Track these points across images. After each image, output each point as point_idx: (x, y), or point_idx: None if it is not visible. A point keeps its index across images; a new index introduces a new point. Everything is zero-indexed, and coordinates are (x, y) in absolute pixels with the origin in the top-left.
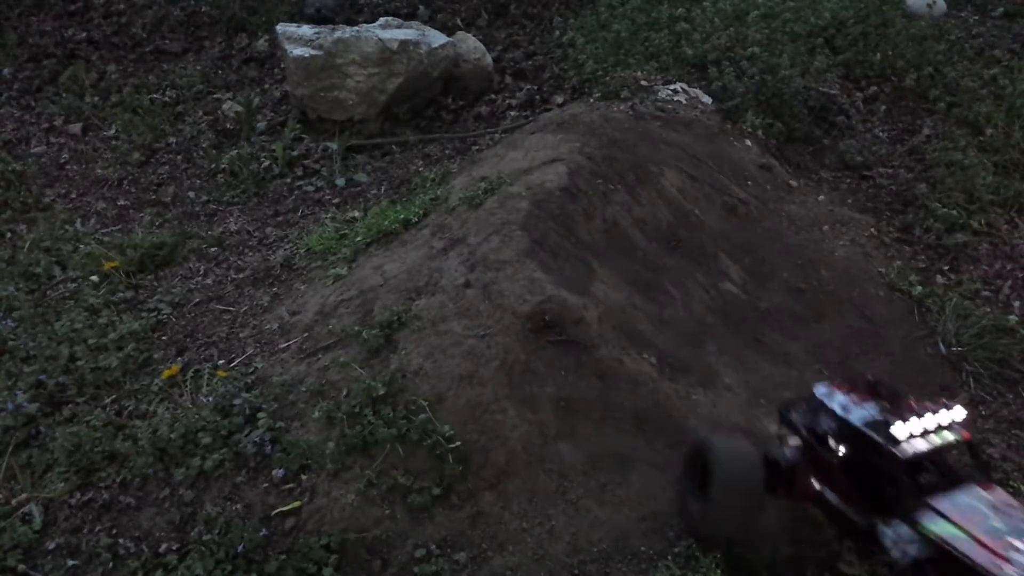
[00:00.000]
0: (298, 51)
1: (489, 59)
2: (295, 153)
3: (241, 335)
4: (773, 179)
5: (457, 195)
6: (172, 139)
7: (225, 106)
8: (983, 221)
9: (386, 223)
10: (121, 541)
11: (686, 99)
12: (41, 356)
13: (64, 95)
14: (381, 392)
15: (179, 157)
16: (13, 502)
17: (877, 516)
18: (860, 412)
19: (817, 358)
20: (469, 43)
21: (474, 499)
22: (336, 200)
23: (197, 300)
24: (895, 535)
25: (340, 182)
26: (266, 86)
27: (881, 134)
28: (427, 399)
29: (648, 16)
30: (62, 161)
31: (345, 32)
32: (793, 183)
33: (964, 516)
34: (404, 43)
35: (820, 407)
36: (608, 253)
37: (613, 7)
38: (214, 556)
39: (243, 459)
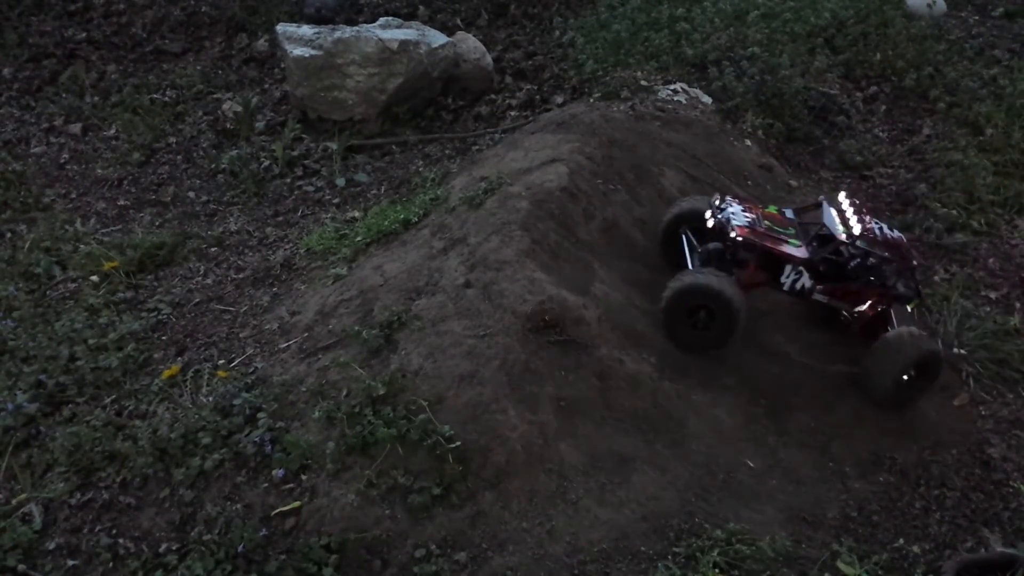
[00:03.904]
0: (298, 51)
1: (489, 59)
2: (295, 153)
3: (241, 335)
4: (773, 179)
5: (457, 195)
6: (172, 139)
7: (225, 106)
8: (983, 221)
9: (386, 223)
10: (121, 541)
11: (686, 99)
12: (41, 356)
13: (64, 95)
14: (381, 392)
15: (179, 157)
16: (13, 502)
17: None
18: None
19: (817, 357)
20: (469, 43)
21: (474, 499)
22: (336, 200)
23: (197, 300)
24: None
25: (340, 182)
26: (266, 86)
27: (881, 134)
28: (427, 399)
29: (648, 16)
30: (62, 161)
31: (345, 32)
32: (793, 183)
33: None
34: (404, 43)
35: None
36: (608, 253)
37: (613, 7)
38: (214, 556)
39: (243, 459)
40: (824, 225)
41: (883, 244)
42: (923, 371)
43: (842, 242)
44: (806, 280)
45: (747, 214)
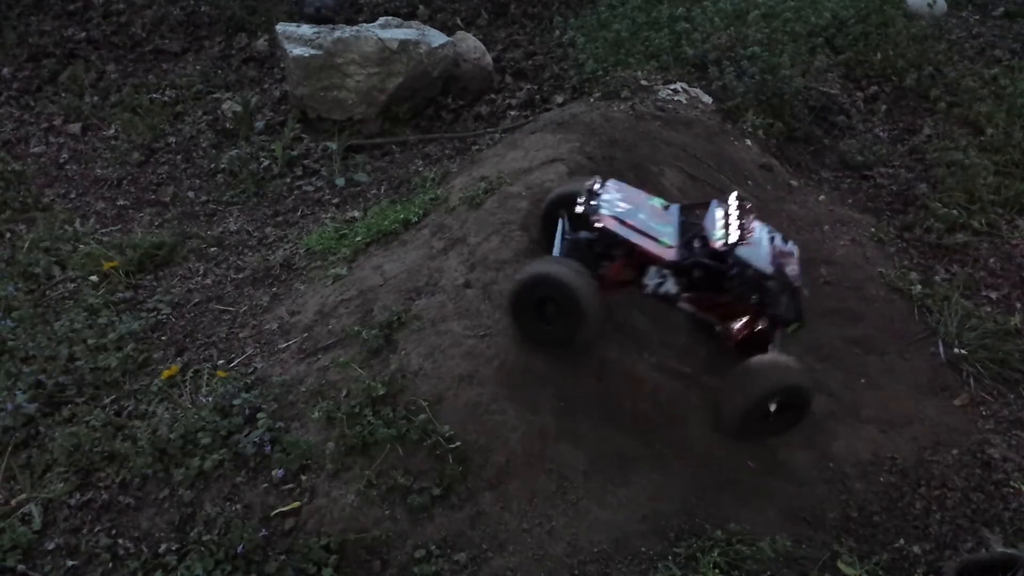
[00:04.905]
0: (298, 51)
1: (489, 59)
2: (295, 153)
3: (241, 335)
4: (773, 179)
5: (457, 195)
6: (171, 139)
7: (224, 106)
8: (984, 221)
9: (386, 223)
10: (120, 541)
11: (686, 99)
12: (40, 356)
13: (63, 95)
14: (381, 392)
15: (178, 157)
16: (12, 502)
17: None
18: None
19: (817, 358)
20: (469, 43)
21: (474, 499)
22: (336, 200)
23: (197, 300)
24: None
25: (340, 182)
26: (266, 86)
27: (882, 134)
28: (427, 399)
29: (648, 16)
30: (61, 161)
31: (345, 32)
32: (793, 183)
33: None
34: (404, 43)
35: None
36: None
37: (613, 7)
38: (214, 556)
39: (243, 459)
40: (702, 227)
41: (771, 257)
42: (787, 405)
43: (714, 249)
44: (671, 285)
45: (624, 203)
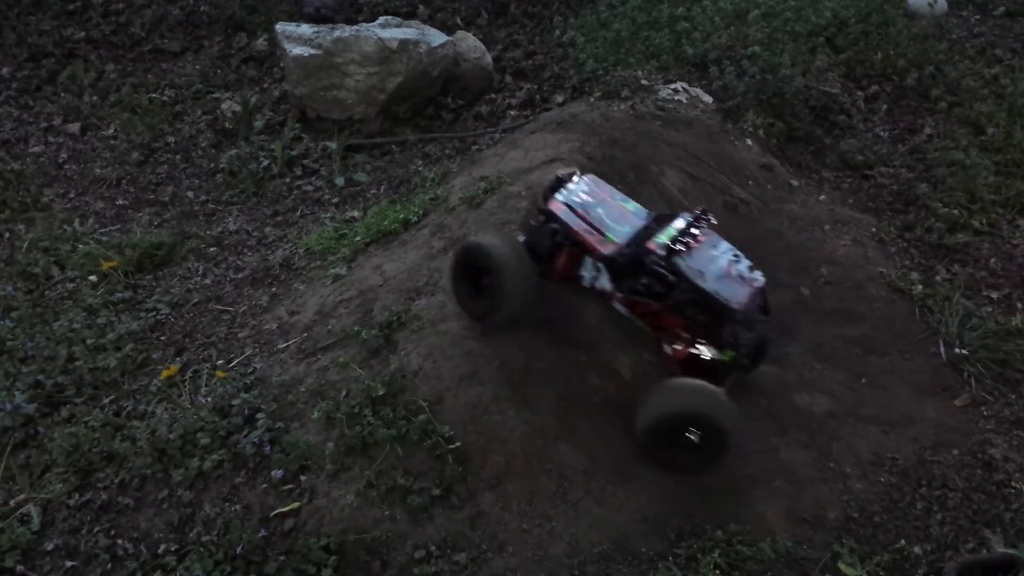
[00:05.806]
0: (297, 50)
1: (489, 58)
2: (294, 152)
3: (240, 335)
4: (774, 178)
5: (457, 195)
6: (171, 139)
7: (224, 105)
8: (985, 221)
9: (386, 223)
10: (119, 542)
11: (687, 98)
12: (39, 356)
13: (62, 94)
14: (381, 392)
15: (178, 157)
16: (11, 503)
17: None
18: None
19: (817, 357)
20: (469, 42)
21: (474, 500)
22: (335, 200)
23: (196, 300)
24: None
25: (339, 182)
26: (265, 85)
27: (882, 133)
28: (427, 399)
29: (648, 15)
30: (60, 161)
31: (344, 31)
32: (794, 182)
33: None
34: (404, 42)
35: None
36: None
37: (613, 6)
38: (213, 557)
39: (242, 460)
40: (650, 228)
41: (718, 276)
42: (707, 439)
43: (647, 248)
44: (606, 282)
45: (587, 196)
